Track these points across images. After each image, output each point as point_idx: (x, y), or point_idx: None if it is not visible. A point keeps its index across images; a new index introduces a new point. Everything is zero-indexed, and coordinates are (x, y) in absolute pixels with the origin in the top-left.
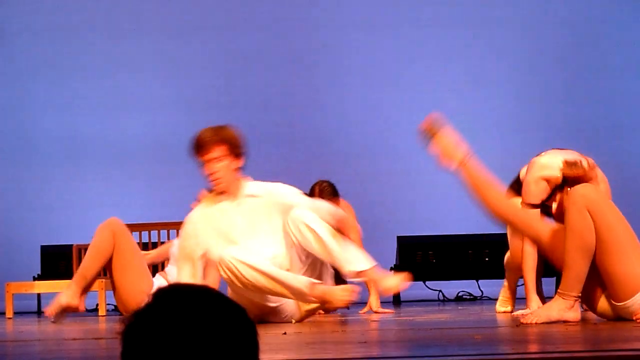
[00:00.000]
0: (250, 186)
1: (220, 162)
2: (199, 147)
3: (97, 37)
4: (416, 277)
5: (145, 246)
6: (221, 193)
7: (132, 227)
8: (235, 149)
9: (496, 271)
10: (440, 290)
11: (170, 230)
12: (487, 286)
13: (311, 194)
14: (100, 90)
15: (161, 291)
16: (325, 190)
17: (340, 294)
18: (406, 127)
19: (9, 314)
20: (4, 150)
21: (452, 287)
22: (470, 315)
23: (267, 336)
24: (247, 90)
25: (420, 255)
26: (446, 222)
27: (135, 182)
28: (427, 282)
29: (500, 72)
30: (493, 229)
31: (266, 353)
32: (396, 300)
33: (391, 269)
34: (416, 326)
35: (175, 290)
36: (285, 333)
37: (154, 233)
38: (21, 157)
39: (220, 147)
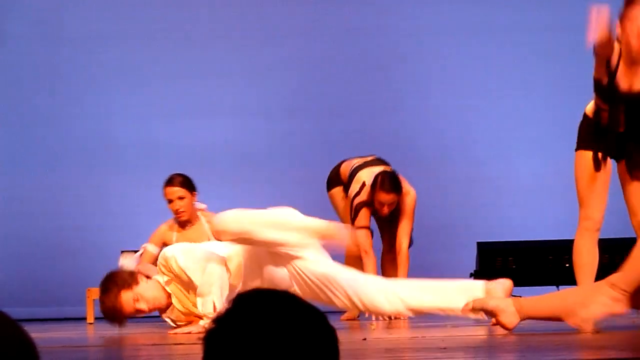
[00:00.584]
0: None
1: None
2: None
3: (174, 43)
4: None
5: None
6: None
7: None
8: None
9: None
10: (519, 296)
11: None
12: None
13: (374, 183)
14: (176, 96)
15: (241, 296)
16: (384, 184)
17: None
18: (485, 133)
19: (90, 319)
20: (84, 157)
21: (532, 293)
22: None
23: (346, 342)
24: (323, 97)
25: (500, 261)
26: (526, 227)
27: (212, 187)
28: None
29: (584, 76)
30: (572, 234)
31: (347, 359)
32: None
33: (471, 275)
34: (494, 331)
35: (256, 295)
36: (365, 339)
37: None
38: (101, 163)
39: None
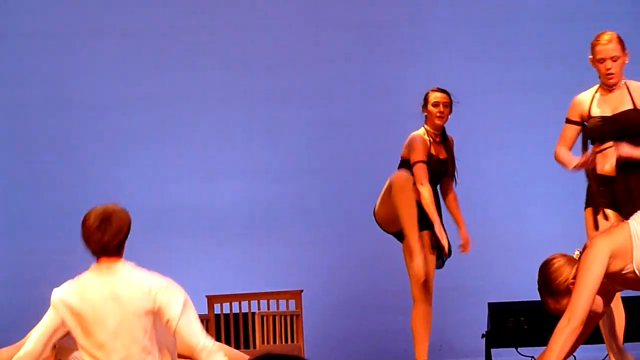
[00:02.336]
0: None
1: None
2: None
3: (187, 105)
4: (508, 344)
5: (236, 316)
6: None
7: (224, 298)
8: None
9: (590, 336)
10: (532, 357)
11: (261, 301)
12: (580, 351)
13: (424, 101)
14: (189, 158)
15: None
16: (432, 88)
17: None
18: (497, 192)
19: None
20: None
21: None
22: None
23: None
24: (336, 158)
25: (512, 321)
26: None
27: (224, 250)
28: (519, 348)
29: None
30: None
31: None
32: None
33: (483, 335)
34: None
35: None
36: None
37: (245, 304)
38: None
39: None
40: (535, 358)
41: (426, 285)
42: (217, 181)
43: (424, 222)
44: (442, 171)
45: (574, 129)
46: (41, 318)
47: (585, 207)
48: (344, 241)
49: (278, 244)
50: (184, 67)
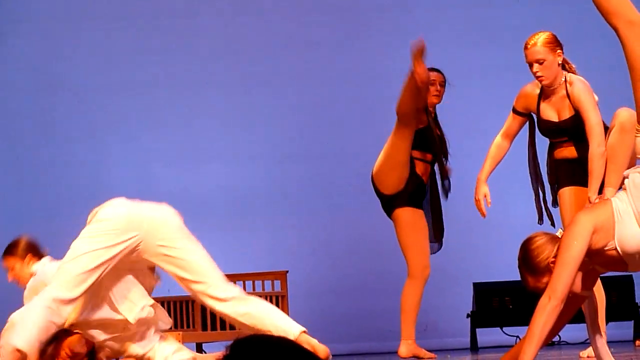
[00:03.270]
0: None
1: None
2: None
3: (172, 90)
4: (493, 323)
5: None
6: None
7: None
8: None
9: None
10: (517, 336)
11: (247, 282)
12: (564, 331)
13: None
14: (173, 143)
15: (239, 341)
16: None
17: None
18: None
19: None
20: (81, 204)
21: None
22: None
23: None
24: (319, 143)
25: (497, 301)
26: None
27: (209, 234)
28: (504, 328)
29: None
30: None
31: None
32: (473, 346)
33: (468, 315)
34: None
35: (251, 341)
36: None
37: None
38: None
39: None
40: (521, 338)
41: (425, 261)
42: (201, 166)
43: (420, 201)
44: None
45: (519, 121)
46: None
47: (560, 187)
48: (328, 224)
49: (262, 228)
50: (167, 52)
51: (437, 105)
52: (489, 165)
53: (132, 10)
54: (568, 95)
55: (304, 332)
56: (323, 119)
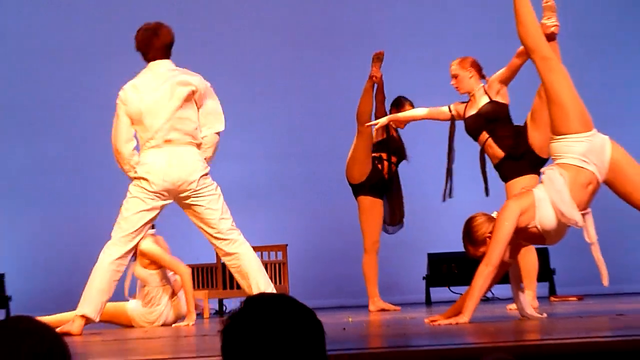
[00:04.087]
0: None
1: None
2: None
3: None
4: (442, 284)
5: None
6: None
7: None
8: None
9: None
10: (460, 294)
11: (255, 253)
12: (495, 289)
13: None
14: None
15: (250, 299)
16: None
17: None
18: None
19: None
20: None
21: None
22: (483, 312)
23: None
24: (307, 143)
25: (446, 267)
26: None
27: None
28: (451, 287)
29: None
30: None
31: (330, 344)
32: (428, 301)
33: (423, 278)
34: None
35: (261, 298)
36: (344, 329)
37: None
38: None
39: None
40: (462, 294)
41: (375, 238)
42: (217, 163)
43: (380, 192)
44: None
45: (444, 114)
46: None
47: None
48: (317, 208)
49: (268, 212)
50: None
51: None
52: (409, 115)
53: (139, 13)
54: (486, 93)
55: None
56: (313, 125)
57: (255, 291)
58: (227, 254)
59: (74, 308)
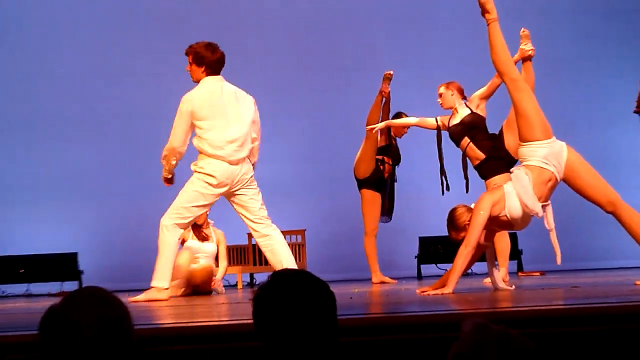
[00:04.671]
0: None
1: None
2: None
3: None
4: (431, 262)
5: None
6: None
7: None
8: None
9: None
10: (445, 269)
11: None
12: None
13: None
14: None
15: (276, 273)
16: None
17: None
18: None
19: None
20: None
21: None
22: (463, 285)
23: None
24: (323, 147)
25: (433, 248)
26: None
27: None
28: (438, 265)
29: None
30: None
31: (340, 310)
32: (419, 276)
33: (415, 257)
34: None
35: (285, 273)
36: (351, 297)
37: None
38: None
39: None
40: (447, 270)
41: (375, 225)
42: None
43: (379, 187)
44: None
45: (431, 124)
46: None
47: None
48: (331, 200)
49: (289, 203)
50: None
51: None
52: (402, 122)
53: (159, 21)
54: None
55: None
56: (328, 133)
57: (282, 266)
58: (263, 236)
59: (134, 280)
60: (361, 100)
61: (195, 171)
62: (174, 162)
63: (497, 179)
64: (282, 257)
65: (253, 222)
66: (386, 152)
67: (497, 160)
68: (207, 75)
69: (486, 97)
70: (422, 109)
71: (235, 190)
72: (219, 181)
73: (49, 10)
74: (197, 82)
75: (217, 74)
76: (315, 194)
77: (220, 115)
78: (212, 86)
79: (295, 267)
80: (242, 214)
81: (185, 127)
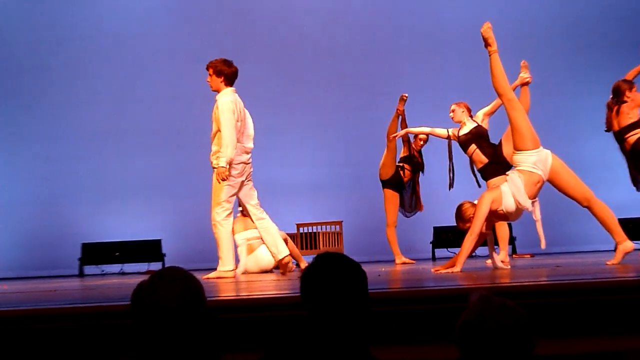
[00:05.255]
0: None
1: None
2: None
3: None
4: (443, 246)
5: (310, 234)
6: None
7: (304, 225)
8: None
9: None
10: (454, 253)
11: (322, 226)
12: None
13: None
14: (266, 150)
15: (320, 255)
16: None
17: None
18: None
19: None
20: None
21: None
22: (469, 265)
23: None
24: (348, 152)
25: (445, 235)
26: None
27: (299, 203)
28: (448, 249)
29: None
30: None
31: (370, 285)
32: (433, 258)
33: (430, 242)
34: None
35: (327, 256)
36: (379, 275)
37: (314, 227)
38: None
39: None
40: (456, 254)
41: (394, 218)
42: (299, 167)
43: (398, 188)
44: None
45: (444, 134)
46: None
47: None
48: (362, 197)
49: (329, 199)
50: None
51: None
52: (418, 130)
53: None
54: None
55: (288, 255)
56: (358, 143)
57: (274, 240)
58: (260, 219)
59: (206, 261)
60: (384, 116)
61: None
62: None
63: (495, 180)
64: (273, 233)
65: (253, 207)
66: (407, 161)
67: (497, 164)
68: (225, 85)
69: (489, 114)
70: (436, 123)
71: (244, 181)
72: (239, 171)
73: (131, 47)
74: (216, 90)
75: (232, 84)
76: (349, 192)
77: (242, 119)
78: (235, 97)
79: (280, 237)
80: (246, 201)
81: (234, 121)
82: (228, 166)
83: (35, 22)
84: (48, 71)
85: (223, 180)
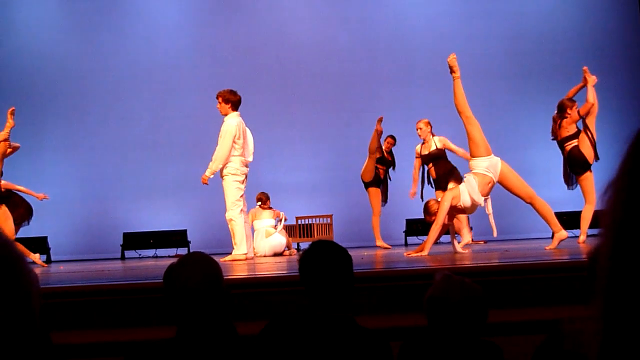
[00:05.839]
0: None
1: None
2: None
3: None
4: (414, 235)
5: (306, 225)
6: None
7: (302, 218)
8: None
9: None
10: (423, 240)
11: (315, 218)
12: (442, 238)
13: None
14: (277, 156)
15: (314, 243)
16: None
17: None
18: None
19: None
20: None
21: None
22: (434, 249)
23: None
24: (346, 156)
25: (415, 225)
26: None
27: (301, 199)
28: (418, 236)
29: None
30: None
31: (355, 266)
32: (405, 244)
33: (404, 231)
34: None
35: (320, 242)
36: (362, 257)
37: (309, 219)
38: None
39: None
40: (424, 241)
41: (379, 208)
42: (299, 172)
43: (378, 185)
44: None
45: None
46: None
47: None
48: (349, 194)
49: (322, 196)
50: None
51: (391, 149)
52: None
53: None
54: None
55: (245, 254)
56: (347, 151)
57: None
58: (242, 211)
59: (223, 247)
60: (366, 130)
61: (229, 174)
62: (220, 167)
63: (453, 183)
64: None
65: (243, 203)
66: (380, 162)
67: (449, 176)
68: (232, 109)
69: (447, 147)
70: (405, 136)
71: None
72: (243, 179)
73: (164, 76)
74: (225, 114)
75: (237, 109)
76: (339, 191)
77: (244, 138)
78: (239, 120)
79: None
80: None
81: (231, 143)
82: (212, 176)
83: (89, 56)
84: (97, 94)
85: (204, 183)
